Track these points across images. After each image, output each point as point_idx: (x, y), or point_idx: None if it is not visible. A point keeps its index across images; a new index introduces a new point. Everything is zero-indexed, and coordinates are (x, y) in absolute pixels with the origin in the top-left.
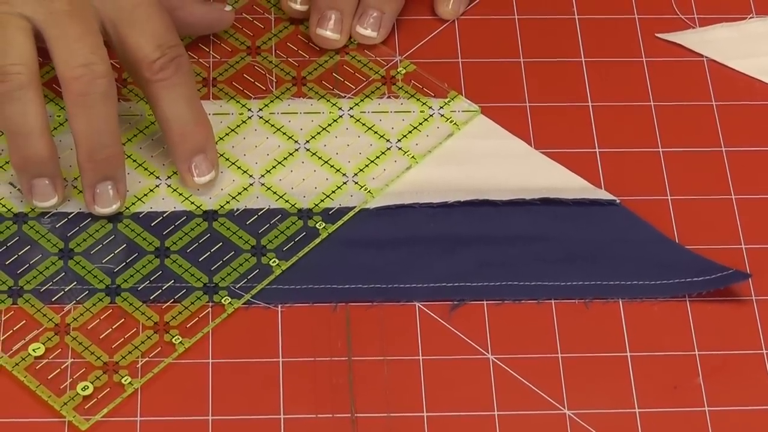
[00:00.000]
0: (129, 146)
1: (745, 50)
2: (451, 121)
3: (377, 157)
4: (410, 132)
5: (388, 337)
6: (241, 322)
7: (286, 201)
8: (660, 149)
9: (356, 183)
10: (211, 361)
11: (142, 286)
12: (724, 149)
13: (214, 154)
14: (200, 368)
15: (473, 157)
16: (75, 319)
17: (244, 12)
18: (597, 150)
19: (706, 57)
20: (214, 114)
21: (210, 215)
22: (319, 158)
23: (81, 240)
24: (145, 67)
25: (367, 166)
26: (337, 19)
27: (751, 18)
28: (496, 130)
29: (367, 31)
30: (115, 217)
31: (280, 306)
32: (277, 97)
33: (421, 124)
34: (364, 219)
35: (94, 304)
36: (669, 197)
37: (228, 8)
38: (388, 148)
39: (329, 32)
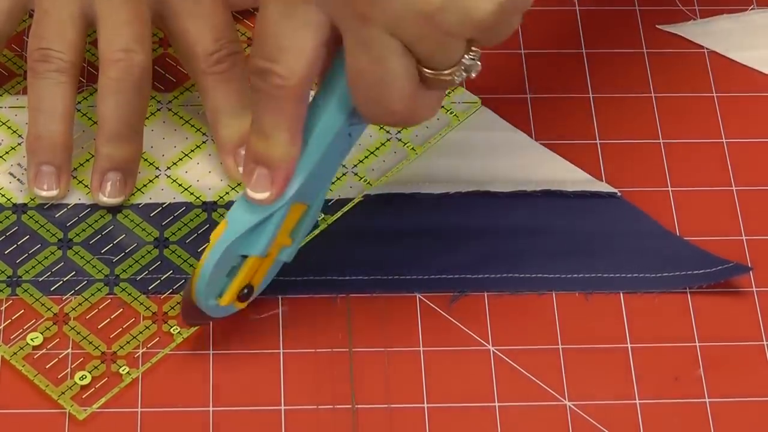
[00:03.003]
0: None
1: (746, 42)
2: (451, 113)
3: (377, 149)
4: None
5: (389, 328)
6: (243, 313)
7: None
8: (661, 141)
9: (356, 174)
10: (211, 352)
11: (141, 276)
12: (725, 141)
13: None
14: (201, 359)
15: (474, 148)
16: (73, 309)
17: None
18: (598, 142)
19: (707, 48)
20: None
21: (209, 206)
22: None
23: (80, 230)
24: (202, 59)
25: (366, 157)
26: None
27: (752, 9)
28: (498, 122)
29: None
30: (114, 208)
31: (280, 297)
32: None
33: None
34: (365, 210)
35: (92, 294)
36: (670, 189)
37: None
38: (388, 140)
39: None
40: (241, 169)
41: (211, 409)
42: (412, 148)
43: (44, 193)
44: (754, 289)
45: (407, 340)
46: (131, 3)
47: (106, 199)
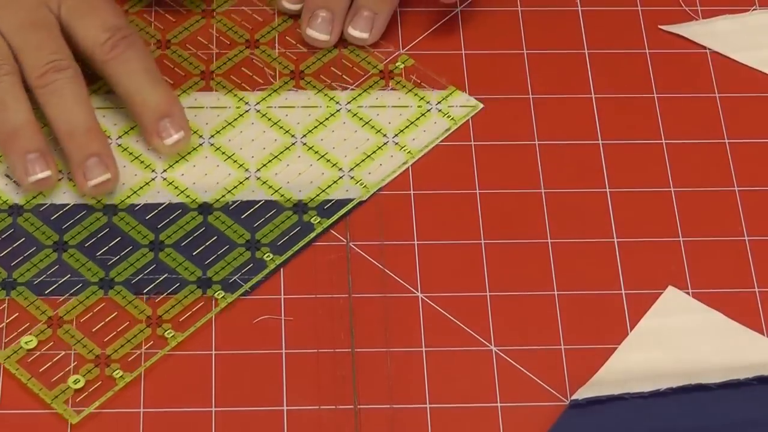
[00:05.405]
0: (125, 139)
1: (748, 42)
2: (448, 117)
3: (374, 152)
4: (407, 127)
5: (391, 328)
6: (244, 314)
7: (282, 195)
8: (663, 141)
9: (352, 178)
10: (214, 352)
11: (136, 279)
12: (727, 141)
13: (182, 117)
14: (203, 360)
15: (673, 335)
16: (68, 312)
17: (243, 5)
18: (600, 142)
19: (709, 49)
20: (211, 107)
21: (205, 209)
22: (316, 152)
23: (75, 233)
24: (98, 51)
25: (363, 160)
26: (327, 19)
27: (754, 10)
28: (690, 303)
29: (358, 32)
30: (110, 210)
31: (282, 297)
32: (274, 91)
33: (418, 119)
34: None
35: (87, 297)
36: (672, 189)
37: None
38: (385, 143)
39: (318, 32)
40: (167, 140)
41: (213, 409)
42: (409, 152)
43: (40, 175)
44: (757, 288)
45: (409, 340)
46: (38, 24)
47: (94, 182)
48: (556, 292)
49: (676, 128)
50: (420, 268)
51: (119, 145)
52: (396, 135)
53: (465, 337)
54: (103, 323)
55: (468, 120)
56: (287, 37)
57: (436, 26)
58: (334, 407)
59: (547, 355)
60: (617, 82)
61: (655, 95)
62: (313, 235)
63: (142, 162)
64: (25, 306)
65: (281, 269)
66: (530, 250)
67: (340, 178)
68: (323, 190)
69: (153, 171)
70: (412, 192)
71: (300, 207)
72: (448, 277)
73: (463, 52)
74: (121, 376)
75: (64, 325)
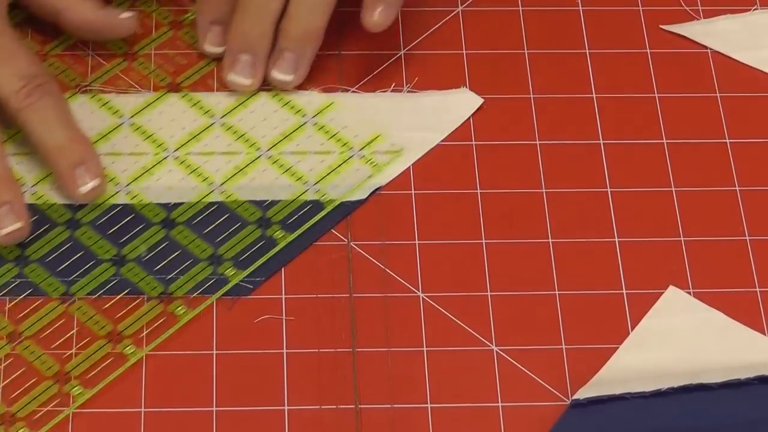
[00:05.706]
0: (40, 186)
1: (750, 42)
2: (371, 163)
3: (293, 200)
4: (328, 174)
5: (392, 328)
6: (245, 314)
7: (198, 245)
8: (664, 141)
9: (270, 227)
10: (214, 352)
11: (45, 333)
12: (728, 141)
13: (97, 164)
14: (204, 360)
15: (675, 335)
16: None
17: (166, 48)
18: (601, 142)
19: (710, 48)
20: (129, 154)
21: (118, 261)
22: (234, 201)
23: None
24: (12, 99)
25: (282, 209)
26: (249, 63)
27: (755, 9)
28: (691, 303)
29: (282, 75)
30: (21, 261)
31: (284, 297)
32: (194, 137)
33: (340, 165)
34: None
35: None
36: (673, 189)
37: (126, 15)
38: (305, 191)
39: (240, 77)
40: (82, 188)
41: (214, 409)
42: (330, 200)
43: None
44: (758, 289)
45: (410, 340)
46: None
47: (5, 231)
48: (557, 292)
49: (677, 128)
50: (421, 268)
51: (34, 193)
52: (317, 183)
53: (466, 336)
54: (9, 380)
55: (469, 119)
56: (209, 81)
57: (436, 26)
58: (335, 407)
59: (548, 355)
60: (618, 81)
61: (656, 95)
62: (228, 287)
63: (56, 211)
64: None
65: (282, 270)
66: (531, 249)
67: (258, 227)
68: (240, 241)
69: (67, 220)
70: (412, 192)
71: (215, 259)
72: (449, 276)
73: (464, 51)
74: None
75: None
